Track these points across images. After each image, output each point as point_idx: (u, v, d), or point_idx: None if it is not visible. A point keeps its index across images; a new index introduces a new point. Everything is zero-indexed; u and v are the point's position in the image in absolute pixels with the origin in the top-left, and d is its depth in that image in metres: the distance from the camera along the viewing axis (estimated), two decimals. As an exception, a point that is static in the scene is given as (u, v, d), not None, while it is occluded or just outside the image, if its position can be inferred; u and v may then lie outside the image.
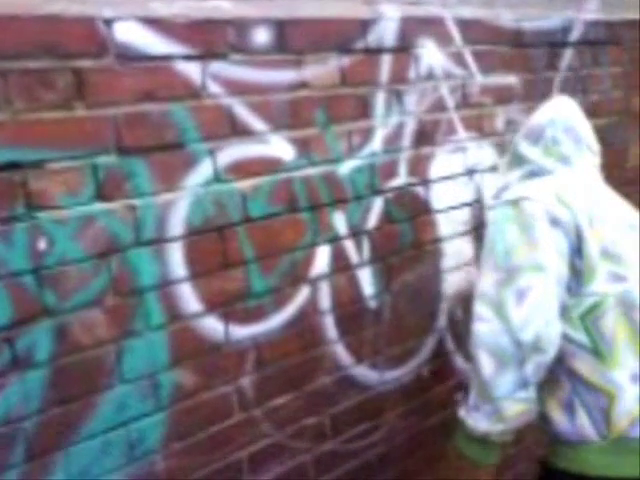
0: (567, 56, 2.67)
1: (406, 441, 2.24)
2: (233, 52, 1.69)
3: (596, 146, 1.79)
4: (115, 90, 1.50)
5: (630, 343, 1.50)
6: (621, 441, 1.48)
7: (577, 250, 1.50)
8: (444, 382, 2.36)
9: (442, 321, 2.34)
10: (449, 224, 2.32)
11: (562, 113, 1.75)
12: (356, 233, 2.03)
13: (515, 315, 1.44)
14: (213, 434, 1.75)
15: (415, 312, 2.24)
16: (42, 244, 1.40)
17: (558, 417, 1.52)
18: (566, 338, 1.49)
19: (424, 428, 2.30)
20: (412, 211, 2.19)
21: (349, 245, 2.03)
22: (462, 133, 2.31)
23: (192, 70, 1.62)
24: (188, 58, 1.61)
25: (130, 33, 1.51)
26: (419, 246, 2.23)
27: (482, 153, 2.39)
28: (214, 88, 1.66)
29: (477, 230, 2.41)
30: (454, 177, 2.31)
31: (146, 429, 1.61)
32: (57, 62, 1.41)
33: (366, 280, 2.08)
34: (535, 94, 2.55)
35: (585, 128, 1.77)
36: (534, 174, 1.69)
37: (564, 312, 1.49)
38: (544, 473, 1.63)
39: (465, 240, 2.39)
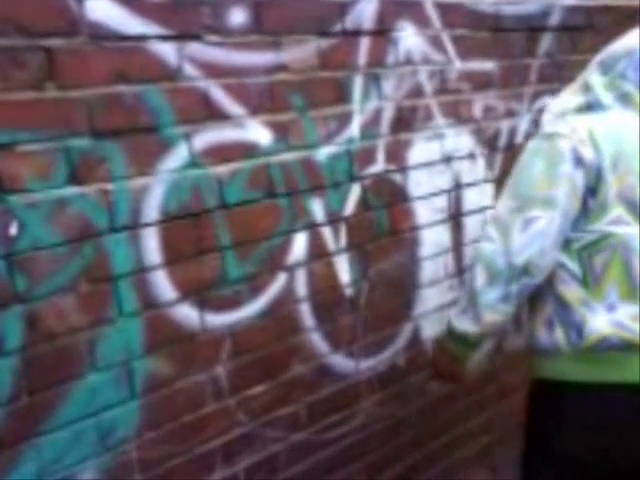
0: (545, 42, 2.71)
1: (382, 430, 2.28)
2: (209, 33, 1.70)
3: None
4: (87, 71, 1.49)
5: (618, 284, 1.66)
6: (589, 352, 1.67)
7: (593, 190, 1.63)
8: (419, 371, 2.41)
9: (418, 309, 2.38)
10: (426, 212, 2.35)
11: None
12: (333, 220, 2.05)
13: (516, 240, 1.62)
14: (187, 423, 1.77)
15: (392, 300, 2.28)
16: (13, 229, 1.40)
17: (540, 332, 1.73)
18: (560, 265, 1.67)
19: (400, 417, 2.34)
20: (389, 198, 2.22)
21: (326, 232, 2.05)
22: (440, 119, 2.34)
23: (167, 51, 1.62)
24: (163, 38, 1.61)
25: (103, 11, 1.50)
26: (396, 233, 2.26)
27: (460, 140, 2.43)
28: (190, 70, 1.67)
29: (454, 218, 2.46)
30: (432, 164, 2.34)
31: (118, 418, 1.62)
32: (27, 40, 1.40)
33: (343, 267, 2.11)
34: (513, 81, 2.59)
35: None
36: (590, 107, 1.72)
37: (565, 244, 1.66)
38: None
39: (442, 228, 2.42)
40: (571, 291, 1.67)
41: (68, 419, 1.53)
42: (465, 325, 1.73)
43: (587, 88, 1.76)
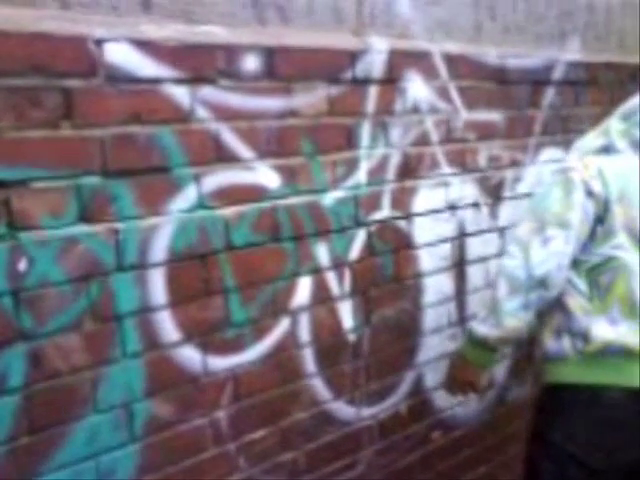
0: (549, 94, 2.79)
1: (384, 478, 2.27)
2: (222, 77, 1.75)
3: None
4: (103, 111, 1.54)
5: (621, 302, 1.88)
6: (593, 357, 1.87)
7: (601, 218, 1.87)
8: (422, 420, 2.41)
9: (421, 357, 2.39)
10: (430, 259, 2.38)
11: None
12: (338, 265, 2.09)
13: (536, 255, 1.84)
14: (186, 468, 1.76)
15: (394, 347, 2.29)
16: (22, 265, 1.43)
17: (549, 341, 1.94)
18: (569, 282, 1.89)
19: (401, 466, 2.33)
20: (394, 244, 2.25)
21: (330, 277, 2.08)
22: (445, 168, 2.40)
23: (181, 94, 1.67)
24: (177, 82, 1.67)
25: (120, 54, 1.56)
26: (400, 280, 2.29)
27: (464, 188, 2.48)
28: (202, 113, 1.72)
29: (458, 266, 2.49)
30: (436, 212, 2.38)
31: (117, 460, 1.62)
32: (46, 81, 1.45)
33: (346, 313, 2.13)
34: (517, 131, 2.66)
35: None
36: (606, 150, 1.98)
37: (575, 264, 1.89)
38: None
39: (446, 276, 2.45)
40: (578, 304, 1.89)
41: (67, 460, 1.53)
42: (485, 330, 1.92)
43: (606, 133, 2.02)
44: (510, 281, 1.86)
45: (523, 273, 1.84)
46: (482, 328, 1.94)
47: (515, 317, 1.87)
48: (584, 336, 1.88)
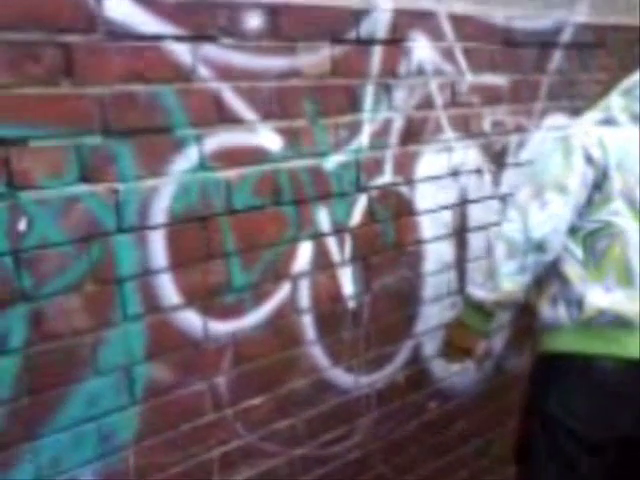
0: (556, 59, 2.78)
1: (380, 448, 2.32)
2: (224, 36, 1.74)
3: None
4: (103, 68, 1.53)
5: (616, 269, 1.94)
6: (587, 325, 1.94)
7: (599, 185, 1.93)
8: (419, 389, 2.45)
9: (420, 326, 2.43)
10: (431, 226, 2.40)
11: None
12: (339, 230, 2.10)
13: (533, 218, 1.91)
14: (185, 432, 1.80)
15: (394, 315, 2.32)
16: (22, 225, 1.43)
17: (544, 308, 2.01)
18: (566, 249, 1.96)
19: (399, 435, 2.38)
20: (396, 211, 2.26)
21: (331, 242, 2.09)
22: (449, 132, 2.40)
23: (182, 51, 1.67)
24: (178, 39, 1.66)
25: (120, 10, 1.55)
26: (401, 247, 2.31)
27: (468, 154, 2.49)
28: (204, 72, 1.71)
29: (460, 233, 2.52)
30: (439, 177, 2.40)
31: (118, 423, 1.65)
32: (44, 36, 1.44)
33: (347, 279, 2.15)
34: (523, 96, 2.66)
35: None
36: (606, 122, 2.05)
37: (571, 231, 1.95)
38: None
39: (447, 243, 2.48)
40: (574, 271, 1.96)
41: (68, 422, 1.55)
42: (483, 293, 1.99)
43: (607, 108, 2.09)
44: (508, 244, 1.92)
45: (521, 236, 1.91)
46: (479, 292, 2.00)
47: (512, 280, 1.93)
48: (579, 303, 1.94)
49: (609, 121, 2.05)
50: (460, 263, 2.55)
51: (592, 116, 2.11)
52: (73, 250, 1.52)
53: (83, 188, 1.53)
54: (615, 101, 2.09)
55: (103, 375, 1.61)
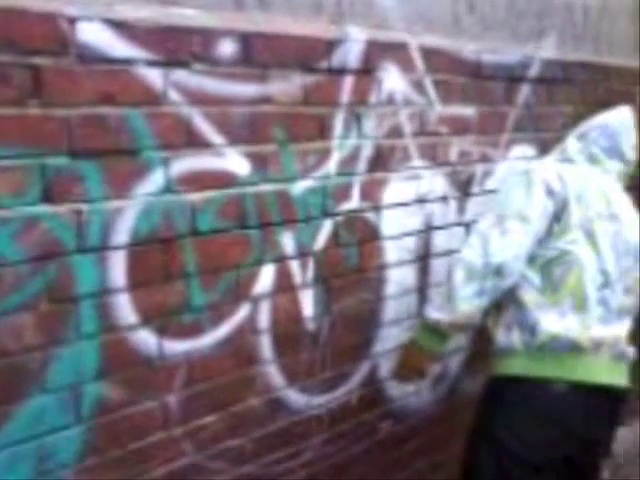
0: (524, 92, 2.81)
1: (328, 468, 2.32)
2: (196, 61, 1.73)
3: (631, 157, 2.21)
4: (73, 90, 1.52)
5: (573, 295, 1.97)
6: (539, 350, 1.97)
7: (558, 216, 1.99)
8: (372, 409, 2.46)
9: (377, 347, 2.43)
10: (396, 251, 2.41)
11: (613, 122, 2.19)
12: (302, 254, 2.10)
13: (494, 244, 1.94)
14: (132, 451, 1.77)
15: (352, 337, 2.32)
16: (-21, 243, 1.41)
17: (499, 334, 2.04)
18: (524, 277, 1.99)
19: (348, 455, 2.38)
20: (360, 236, 2.27)
21: (294, 265, 2.09)
22: (417, 161, 2.41)
23: (153, 76, 1.66)
24: (150, 64, 1.64)
25: (93, 34, 1.53)
26: (363, 271, 2.31)
27: (434, 182, 2.50)
28: (174, 96, 1.70)
29: (424, 259, 2.53)
30: (405, 204, 2.40)
31: (61, 443, 1.61)
32: (15, 57, 1.43)
33: (307, 301, 2.15)
34: (490, 127, 2.68)
35: (628, 140, 2.19)
36: (564, 161, 2.16)
37: (530, 259, 1.99)
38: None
39: (410, 268, 2.49)
40: (530, 297, 1.99)
41: (8, 440, 1.52)
42: (439, 315, 2.01)
43: (564, 150, 2.20)
44: (467, 269, 1.95)
45: (480, 261, 1.93)
46: (436, 313, 2.02)
47: (469, 303, 1.95)
48: (532, 329, 1.96)
49: (567, 160, 2.15)
50: (422, 287, 2.56)
51: (551, 158, 2.22)
52: (29, 269, 1.50)
53: (44, 208, 1.50)
54: (571, 144, 2.19)
55: (50, 393, 1.58)
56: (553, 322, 1.95)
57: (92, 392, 1.67)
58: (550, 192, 1.98)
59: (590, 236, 2.00)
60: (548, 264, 1.98)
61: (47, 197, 1.51)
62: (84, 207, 1.57)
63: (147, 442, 1.81)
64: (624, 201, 2.17)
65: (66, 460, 1.64)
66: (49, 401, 1.59)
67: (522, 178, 2.05)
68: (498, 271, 1.93)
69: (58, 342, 1.59)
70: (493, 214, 2.01)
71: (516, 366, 2.01)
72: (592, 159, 2.15)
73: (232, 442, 2.02)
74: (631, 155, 2.21)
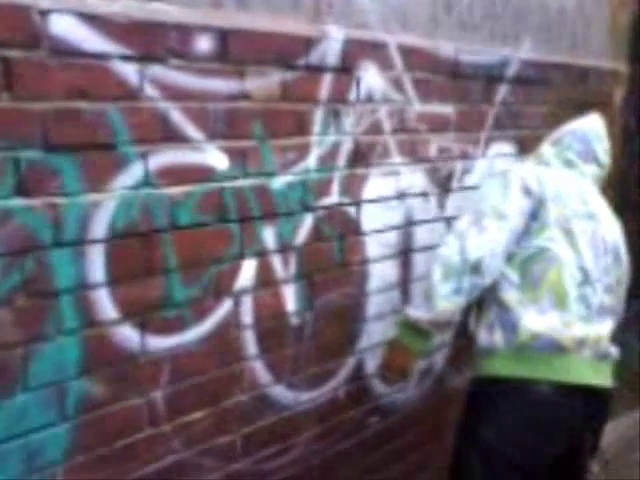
0: (502, 91, 2.80)
1: (319, 463, 2.27)
2: (173, 57, 1.70)
3: (605, 161, 2.21)
4: (45, 84, 1.48)
5: (553, 292, 1.94)
6: (522, 350, 1.93)
7: (535, 215, 1.97)
8: (359, 405, 2.42)
9: (362, 343, 2.39)
10: (377, 246, 2.38)
11: (585, 128, 2.20)
12: (284, 248, 2.06)
13: (471, 242, 1.93)
14: (120, 448, 1.73)
15: (336, 332, 2.29)
16: (-48, 237, 1.37)
17: (482, 335, 2.01)
18: (503, 276, 1.96)
19: (337, 451, 2.34)
20: (341, 230, 2.24)
21: (276, 260, 2.05)
22: (396, 157, 2.39)
23: (129, 71, 1.62)
24: (126, 59, 1.61)
25: (66, 27, 1.50)
26: (346, 266, 2.28)
27: (414, 178, 2.48)
28: (151, 91, 1.67)
29: (404, 254, 2.49)
30: (385, 200, 2.38)
31: (47, 440, 1.57)
32: (-15, 49, 1.39)
33: (290, 296, 2.11)
34: (469, 125, 2.66)
35: (600, 145, 2.19)
36: (540, 164, 2.16)
37: (509, 257, 1.96)
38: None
39: (391, 263, 2.45)
40: (510, 296, 1.95)
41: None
42: (418, 313, 1.99)
43: (540, 155, 2.21)
44: (445, 266, 1.93)
45: (457, 258, 1.91)
46: (415, 312, 2.00)
47: (447, 300, 1.92)
48: (513, 327, 1.93)
49: (544, 164, 2.15)
50: (404, 282, 2.52)
51: (528, 163, 2.22)
52: (4, 263, 1.45)
53: (18, 202, 1.46)
54: (546, 150, 2.20)
55: (32, 390, 1.53)
56: (533, 320, 1.92)
57: (76, 389, 1.62)
58: (527, 191, 1.97)
59: (568, 234, 1.98)
60: (527, 261, 1.96)
61: (21, 190, 1.47)
62: (60, 200, 1.53)
63: (135, 439, 1.76)
64: (601, 202, 2.16)
65: (54, 458, 1.59)
66: (32, 399, 1.54)
67: (499, 179, 2.05)
68: (475, 268, 1.91)
69: (38, 338, 1.54)
70: (470, 213, 2.00)
71: (500, 367, 1.97)
72: (568, 163, 2.15)
73: (221, 439, 1.97)
74: (605, 159, 2.21)
